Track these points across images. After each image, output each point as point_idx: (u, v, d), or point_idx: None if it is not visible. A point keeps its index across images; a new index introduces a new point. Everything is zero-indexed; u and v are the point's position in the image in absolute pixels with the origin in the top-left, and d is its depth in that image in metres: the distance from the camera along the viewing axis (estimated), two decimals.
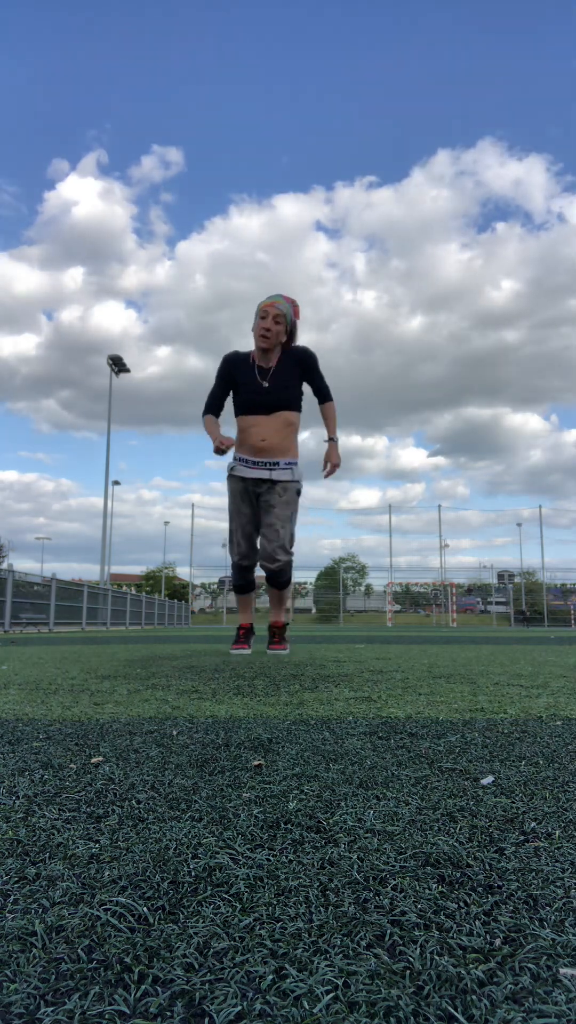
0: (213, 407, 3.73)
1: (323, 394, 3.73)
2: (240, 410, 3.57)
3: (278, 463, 3.53)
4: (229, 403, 3.74)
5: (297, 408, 3.61)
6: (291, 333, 3.71)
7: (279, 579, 3.62)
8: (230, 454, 3.60)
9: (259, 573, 3.71)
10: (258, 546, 3.62)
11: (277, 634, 3.77)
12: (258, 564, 3.66)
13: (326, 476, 3.67)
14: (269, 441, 3.51)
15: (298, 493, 3.62)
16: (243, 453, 3.55)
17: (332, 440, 3.68)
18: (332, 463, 3.61)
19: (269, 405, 3.52)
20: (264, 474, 3.51)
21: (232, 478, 3.61)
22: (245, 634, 3.80)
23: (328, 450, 3.64)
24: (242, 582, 3.77)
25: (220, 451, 3.49)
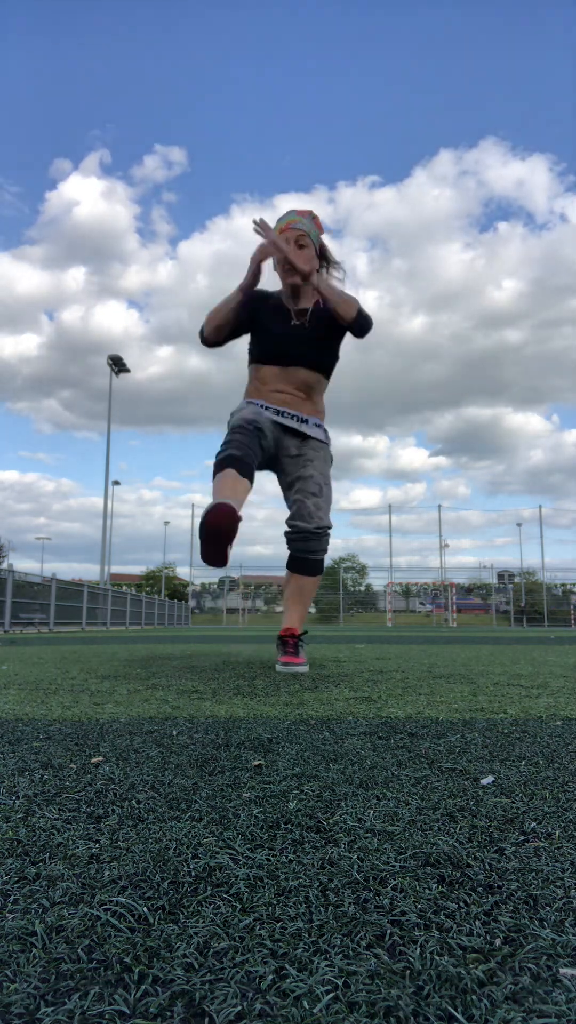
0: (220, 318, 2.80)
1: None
2: (255, 356, 2.80)
3: (307, 420, 2.78)
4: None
5: (322, 371, 2.80)
6: (323, 254, 2.84)
7: (313, 556, 2.73)
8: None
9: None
10: (291, 508, 2.75)
11: (292, 643, 2.71)
12: (290, 532, 2.72)
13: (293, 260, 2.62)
14: (287, 393, 2.75)
15: (330, 462, 2.88)
16: (259, 399, 2.76)
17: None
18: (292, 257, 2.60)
19: (289, 354, 2.73)
20: (292, 424, 2.74)
21: (246, 404, 2.74)
22: (298, 644, 2.70)
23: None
24: (245, 451, 2.50)
25: (252, 281, 2.68)
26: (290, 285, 2.73)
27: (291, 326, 2.75)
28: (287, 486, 2.84)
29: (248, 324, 2.83)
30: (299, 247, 2.70)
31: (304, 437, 2.80)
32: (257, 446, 2.57)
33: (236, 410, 2.73)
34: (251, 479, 2.53)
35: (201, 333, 2.85)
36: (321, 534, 2.74)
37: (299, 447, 2.79)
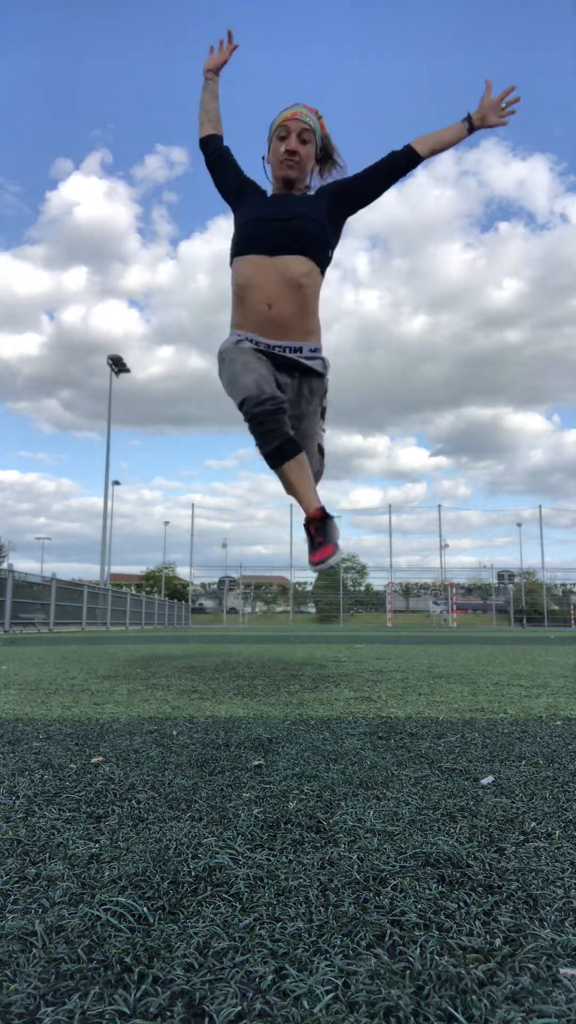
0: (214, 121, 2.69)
1: (393, 155, 2.51)
2: (237, 247, 2.48)
3: (302, 348, 2.45)
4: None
5: (316, 255, 2.42)
6: (326, 152, 2.57)
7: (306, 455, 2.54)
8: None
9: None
10: None
11: (321, 529, 2.31)
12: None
13: (503, 105, 2.45)
14: (279, 308, 2.40)
15: (325, 393, 2.60)
16: (248, 331, 2.45)
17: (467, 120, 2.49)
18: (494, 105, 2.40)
19: (277, 240, 2.38)
20: (290, 356, 2.42)
21: (236, 348, 2.44)
22: (322, 523, 2.32)
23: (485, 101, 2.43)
24: (280, 438, 2.30)
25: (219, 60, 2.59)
26: (284, 178, 2.47)
27: (279, 202, 2.46)
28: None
29: (234, 192, 2.57)
30: (302, 142, 2.45)
31: (301, 373, 2.49)
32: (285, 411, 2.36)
33: (225, 348, 2.47)
34: (299, 446, 2.39)
35: (201, 143, 2.70)
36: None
37: (295, 388, 2.49)
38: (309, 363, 2.47)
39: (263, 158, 2.59)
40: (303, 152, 2.45)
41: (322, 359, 2.54)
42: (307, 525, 2.41)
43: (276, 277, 2.41)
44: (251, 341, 2.43)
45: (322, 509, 2.40)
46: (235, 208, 2.60)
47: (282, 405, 2.32)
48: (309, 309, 2.48)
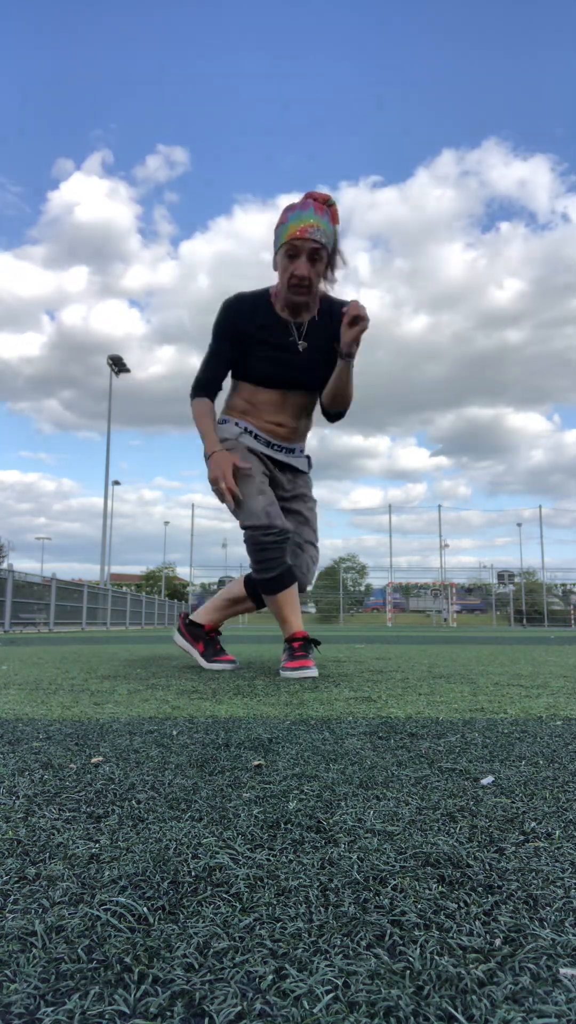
0: (210, 384, 2.56)
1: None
2: (253, 378, 2.51)
3: (294, 449, 2.67)
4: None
5: (320, 389, 2.58)
6: (332, 257, 2.42)
7: (300, 589, 2.67)
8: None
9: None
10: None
11: (303, 647, 2.52)
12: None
13: (350, 336, 2.26)
14: (287, 427, 2.60)
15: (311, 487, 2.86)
16: (250, 424, 2.58)
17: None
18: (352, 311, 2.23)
19: (294, 382, 2.51)
20: (283, 457, 2.63)
21: (236, 444, 2.55)
22: (305, 643, 2.54)
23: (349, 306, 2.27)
24: (279, 568, 2.43)
25: (221, 492, 2.39)
26: (293, 304, 2.41)
27: (293, 348, 2.46)
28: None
29: (240, 347, 2.52)
30: (312, 262, 2.32)
31: (295, 471, 2.71)
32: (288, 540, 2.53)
33: (222, 438, 2.54)
34: (294, 576, 2.58)
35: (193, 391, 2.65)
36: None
37: (291, 482, 2.71)
38: (301, 464, 2.72)
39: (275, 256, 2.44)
40: (313, 277, 2.33)
41: (307, 458, 2.79)
42: (289, 641, 2.57)
43: (288, 408, 2.59)
44: (252, 435, 2.58)
45: (305, 633, 2.61)
46: (247, 343, 2.51)
47: (287, 536, 2.45)
48: (306, 423, 2.71)
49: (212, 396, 2.58)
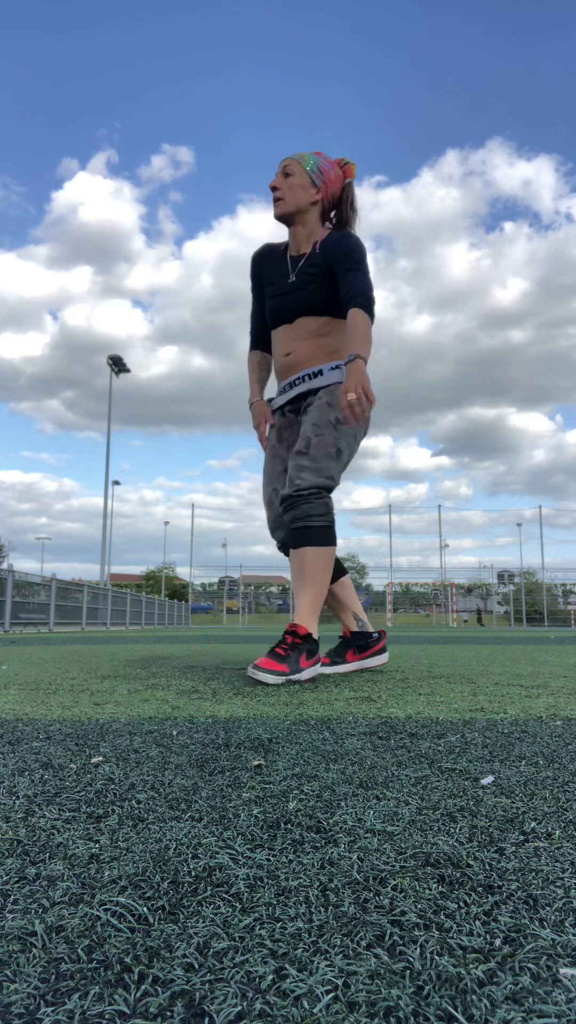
0: (255, 338, 2.72)
1: (350, 292, 2.32)
2: (268, 317, 2.59)
3: (322, 370, 2.44)
4: None
5: (322, 312, 2.46)
6: (342, 200, 2.52)
7: (302, 525, 2.22)
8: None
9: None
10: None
11: (286, 642, 2.20)
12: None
13: (343, 407, 2.13)
14: (296, 351, 2.49)
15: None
16: (279, 380, 2.61)
17: (354, 358, 2.17)
18: (345, 389, 2.11)
19: (286, 310, 2.51)
20: (301, 388, 2.46)
21: (273, 417, 2.62)
22: (302, 641, 2.23)
23: (347, 372, 2.16)
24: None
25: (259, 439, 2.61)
26: (276, 218, 2.50)
27: (289, 282, 2.51)
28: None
29: (260, 293, 2.68)
30: (284, 176, 2.44)
31: (315, 393, 2.45)
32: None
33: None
34: (344, 573, 2.61)
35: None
36: (303, 499, 2.22)
37: (306, 408, 2.48)
38: (325, 380, 2.41)
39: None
40: (283, 185, 2.45)
41: (339, 369, 2.42)
42: (287, 635, 2.28)
43: (296, 332, 2.50)
44: (281, 392, 2.56)
45: (308, 631, 2.26)
46: (261, 298, 2.67)
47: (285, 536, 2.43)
48: (330, 340, 2.46)
49: (260, 348, 2.70)
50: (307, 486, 2.23)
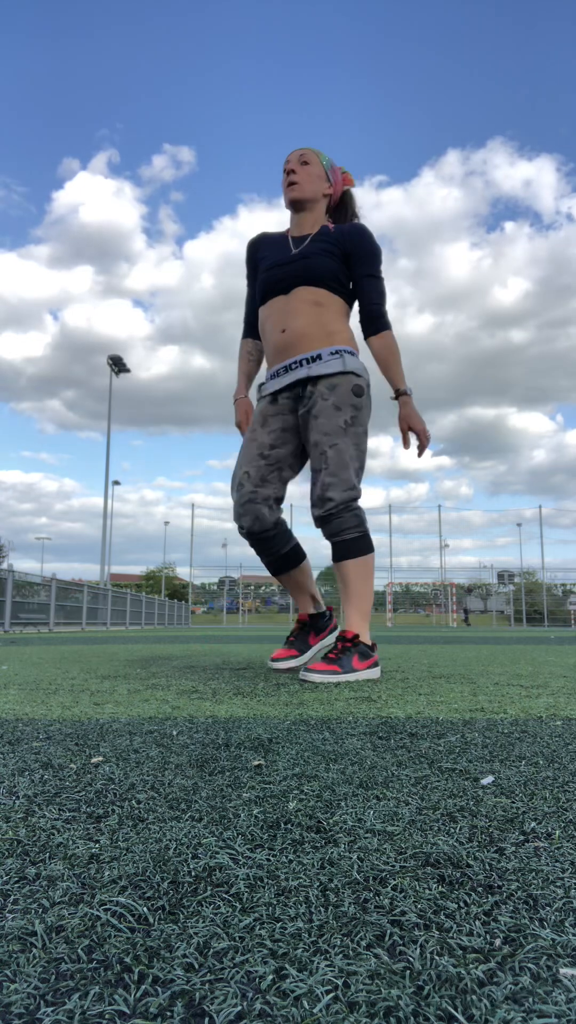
0: (248, 327, 2.69)
1: (371, 315, 2.33)
2: (259, 299, 2.48)
3: (320, 355, 2.30)
4: None
5: (329, 286, 2.35)
6: (344, 201, 2.58)
7: (340, 537, 2.26)
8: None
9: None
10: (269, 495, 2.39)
11: (338, 646, 2.27)
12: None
13: (419, 454, 2.35)
14: (292, 327, 2.33)
15: (358, 393, 2.30)
16: (271, 363, 2.44)
17: (402, 394, 2.30)
18: (414, 430, 2.29)
19: (287, 278, 2.37)
20: (300, 373, 2.31)
21: (259, 400, 2.50)
22: (299, 632, 2.58)
23: (401, 413, 2.31)
24: (270, 557, 2.44)
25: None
26: (290, 201, 2.46)
27: (287, 254, 2.43)
28: (274, 457, 2.43)
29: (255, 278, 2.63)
30: (302, 164, 2.45)
31: (315, 382, 2.31)
32: (256, 496, 2.36)
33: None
34: (296, 561, 2.53)
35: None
36: (330, 519, 2.25)
37: (308, 399, 2.32)
38: (325, 367, 2.30)
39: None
40: (302, 172, 2.45)
41: (344, 357, 2.32)
42: (298, 623, 2.62)
43: (290, 305, 2.36)
44: (273, 376, 2.43)
45: (311, 615, 2.58)
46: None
47: (255, 536, 2.38)
48: (328, 317, 2.35)
49: (252, 335, 2.67)
50: (335, 504, 2.26)
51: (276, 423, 2.39)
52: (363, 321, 2.39)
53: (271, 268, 2.43)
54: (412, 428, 2.30)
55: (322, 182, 2.49)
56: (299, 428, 2.39)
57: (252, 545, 2.44)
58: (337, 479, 2.25)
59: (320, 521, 2.31)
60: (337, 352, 2.34)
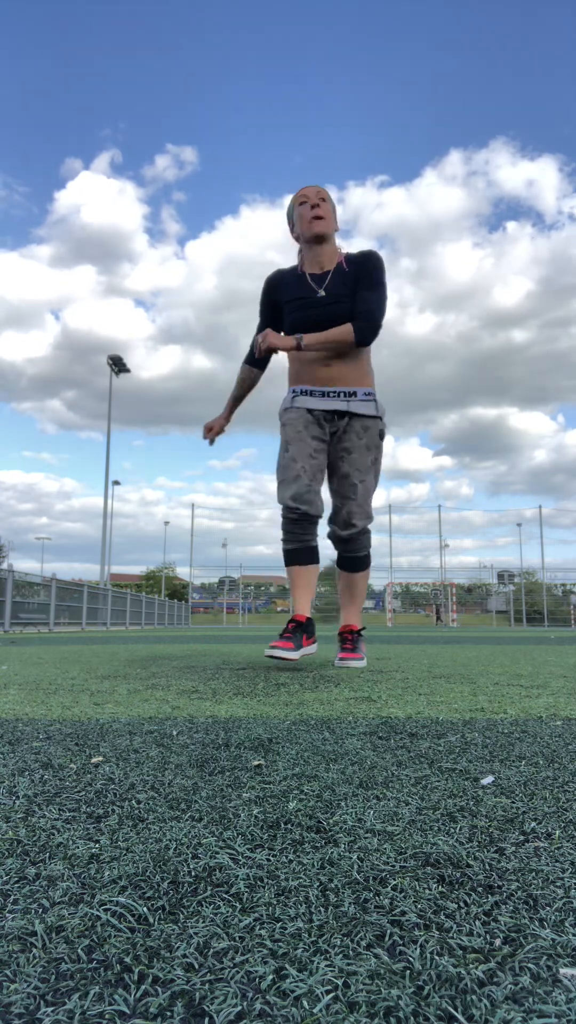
0: (250, 354, 2.92)
1: (357, 311, 2.65)
2: (290, 330, 2.75)
3: (356, 392, 2.72)
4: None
5: None
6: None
7: (355, 554, 2.82)
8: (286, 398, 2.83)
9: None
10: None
11: (351, 639, 2.83)
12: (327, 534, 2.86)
13: (256, 354, 2.75)
14: (335, 365, 2.69)
15: (381, 436, 2.80)
16: (305, 383, 2.76)
17: (301, 339, 2.63)
18: (270, 342, 2.64)
19: (323, 319, 2.67)
20: (340, 405, 2.70)
21: (292, 409, 2.75)
22: (296, 629, 2.70)
23: (280, 337, 2.69)
24: (297, 543, 2.72)
25: (208, 437, 2.98)
26: (315, 235, 2.71)
27: (315, 295, 2.72)
28: (328, 475, 2.84)
29: (277, 312, 2.87)
30: (321, 199, 2.74)
31: (350, 417, 2.75)
32: (318, 491, 2.73)
33: (283, 411, 2.80)
34: (316, 559, 2.83)
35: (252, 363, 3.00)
36: (354, 539, 2.80)
37: (344, 433, 2.75)
38: (362, 406, 2.73)
39: (295, 237, 2.86)
40: (324, 206, 2.73)
41: (375, 402, 2.77)
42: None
43: (332, 350, 2.69)
44: (307, 393, 2.75)
45: (308, 618, 2.81)
46: (281, 309, 2.84)
47: (311, 518, 2.72)
48: (362, 360, 2.76)
49: (254, 364, 2.93)
50: (358, 530, 2.79)
51: (316, 432, 2.74)
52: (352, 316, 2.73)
53: (306, 308, 2.72)
54: (270, 342, 2.66)
55: (335, 218, 2.85)
56: (327, 448, 2.80)
57: (297, 531, 2.71)
58: (362, 510, 2.77)
59: (342, 538, 2.82)
60: (370, 394, 2.77)
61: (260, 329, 2.87)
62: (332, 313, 2.66)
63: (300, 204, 2.74)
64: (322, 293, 2.69)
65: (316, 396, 2.73)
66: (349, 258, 2.75)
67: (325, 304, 2.68)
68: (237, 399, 3.06)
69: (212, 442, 3.09)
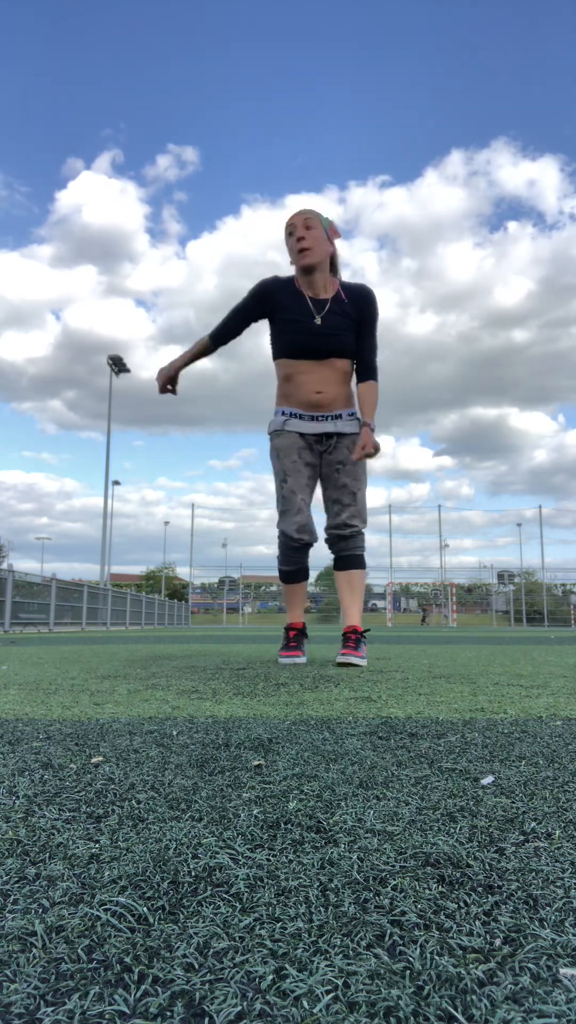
0: (217, 332, 3.01)
1: (367, 366, 2.95)
2: (284, 351, 2.91)
3: (341, 414, 2.96)
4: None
5: (351, 356, 2.96)
6: (332, 259, 2.97)
7: (353, 553, 3.01)
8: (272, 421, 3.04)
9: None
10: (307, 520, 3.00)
11: (353, 639, 2.95)
12: (320, 539, 3.08)
13: (355, 458, 2.89)
14: (327, 393, 2.91)
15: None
16: (293, 406, 2.95)
17: (367, 425, 2.86)
18: (363, 443, 2.82)
19: (322, 349, 2.86)
20: (329, 427, 2.93)
21: (284, 434, 2.96)
22: (297, 636, 3.09)
23: (363, 433, 2.89)
24: (295, 566, 3.05)
25: (163, 390, 3.01)
26: (303, 267, 2.84)
27: (313, 321, 2.87)
28: (323, 485, 3.07)
29: (263, 315, 2.98)
30: (307, 228, 2.83)
31: (340, 436, 2.99)
32: (311, 518, 3.02)
33: (273, 432, 2.99)
34: (308, 576, 3.15)
35: (214, 340, 3.07)
36: (353, 538, 3.01)
37: (334, 450, 2.99)
38: (348, 426, 2.98)
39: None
40: (310, 236, 2.81)
41: (358, 420, 3.01)
42: (287, 630, 3.13)
43: (325, 372, 2.92)
44: (297, 416, 2.95)
45: (303, 624, 3.15)
46: (272, 320, 2.97)
47: (309, 546, 3.01)
48: (348, 384, 3.01)
49: (212, 339, 2.99)
50: (356, 530, 3.02)
51: (308, 458, 2.98)
52: (360, 369, 3.01)
53: (303, 333, 2.86)
54: (366, 447, 2.84)
55: (326, 243, 2.89)
56: (319, 466, 3.04)
57: (296, 556, 3.02)
58: (361, 513, 3.03)
59: (340, 538, 3.03)
60: (353, 414, 3.02)
61: (234, 314, 2.96)
62: (331, 347, 2.86)
63: (289, 235, 2.86)
64: (318, 321, 2.86)
65: (307, 420, 2.96)
66: (346, 289, 2.92)
67: (323, 335, 2.86)
68: (194, 357, 3.10)
69: (175, 391, 3.08)
